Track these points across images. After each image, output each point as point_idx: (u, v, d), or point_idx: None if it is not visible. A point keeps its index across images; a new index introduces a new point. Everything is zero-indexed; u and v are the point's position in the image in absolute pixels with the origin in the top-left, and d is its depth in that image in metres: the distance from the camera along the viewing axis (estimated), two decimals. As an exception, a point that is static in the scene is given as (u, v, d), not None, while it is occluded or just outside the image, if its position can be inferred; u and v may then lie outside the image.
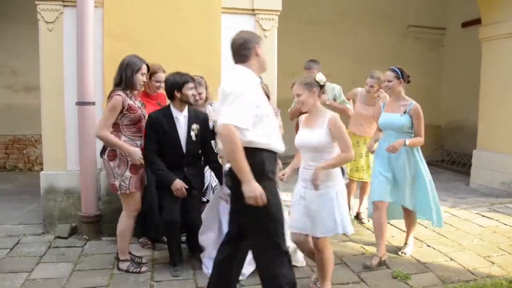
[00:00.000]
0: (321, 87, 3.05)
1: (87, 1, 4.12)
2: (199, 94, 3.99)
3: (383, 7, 9.18)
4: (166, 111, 3.61)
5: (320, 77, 3.03)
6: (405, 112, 3.79)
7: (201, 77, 4.11)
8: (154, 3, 4.46)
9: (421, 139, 3.79)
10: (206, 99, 4.15)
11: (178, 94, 3.54)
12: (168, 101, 3.77)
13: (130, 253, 3.77)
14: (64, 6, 4.29)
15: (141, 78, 3.53)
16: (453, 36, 9.48)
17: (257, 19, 4.78)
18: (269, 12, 4.78)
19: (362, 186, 5.11)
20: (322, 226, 2.99)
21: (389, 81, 3.89)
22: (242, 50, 2.64)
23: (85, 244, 4.25)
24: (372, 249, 4.10)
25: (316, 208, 2.99)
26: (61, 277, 3.50)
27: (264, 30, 4.80)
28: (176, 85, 3.53)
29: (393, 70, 3.92)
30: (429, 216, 3.97)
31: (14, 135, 7.89)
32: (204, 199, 4.01)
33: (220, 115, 2.52)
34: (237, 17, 4.75)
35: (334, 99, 4.76)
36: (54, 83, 4.38)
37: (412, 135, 3.84)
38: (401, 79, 3.87)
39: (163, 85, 4.04)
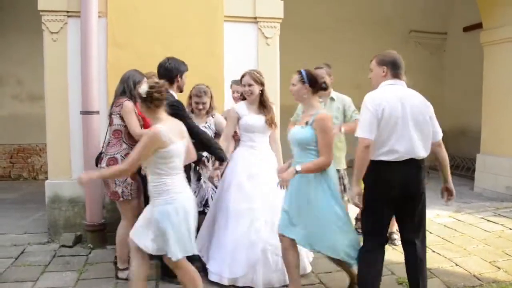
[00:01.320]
0: (145, 99, 2.69)
1: (91, 12, 4.17)
2: (203, 103, 3.97)
3: (385, 13, 9.22)
4: (172, 97, 3.44)
5: (142, 89, 2.70)
6: (307, 123, 3.08)
7: (206, 86, 4.04)
8: (157, 13, 4.50)
9: (323, 161, 3.00)
10: (209, 110, 4.08)
11: (179, 80, 3.54)
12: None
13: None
14: (68, 16, 4.33)
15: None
16: (455, 40, 9.51)
17: (259, 27, 4.81)
18: (271, 20, 4.81)
19: None
20: None
21: (293, 85, 3.19)
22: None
23: (90, 253, 4.26)
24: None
25: None
26: (66, 286, 3.51)
27: (266, 37, 4.83)
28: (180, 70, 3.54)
29: (299, 72, 3.18)
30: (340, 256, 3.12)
31: (19, 144, 7.94)
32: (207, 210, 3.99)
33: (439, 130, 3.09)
34: (239, 25, 4.78)
35: (344, 111, 4.29)
36: (59, 93, 4.42)
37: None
38: (306, 84, 3.11)
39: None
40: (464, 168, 8.47)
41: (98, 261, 4.02)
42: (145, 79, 3.58)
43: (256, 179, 3.57)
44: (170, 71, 3.48)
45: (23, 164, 8.01)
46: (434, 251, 4.29)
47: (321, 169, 3.03)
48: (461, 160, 8.79)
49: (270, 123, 3.68)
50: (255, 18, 4.77)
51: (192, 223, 2.80)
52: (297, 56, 8.16)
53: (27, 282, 3.56)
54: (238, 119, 3.72)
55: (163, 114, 2.79)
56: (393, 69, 3.01)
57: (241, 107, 3.76)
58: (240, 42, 4.79)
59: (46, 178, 4.64)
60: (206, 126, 4.05)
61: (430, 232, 4.84)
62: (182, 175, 2.85)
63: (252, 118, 3.68)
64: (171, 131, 2.71)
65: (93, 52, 4.22)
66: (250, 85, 3.63)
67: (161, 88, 2.72)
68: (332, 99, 4.27)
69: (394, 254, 4.19)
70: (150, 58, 4.40)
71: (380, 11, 9.18)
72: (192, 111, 4.02)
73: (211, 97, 4.13)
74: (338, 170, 4.12)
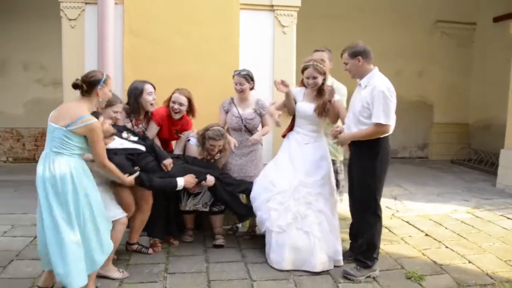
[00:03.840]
0: None
1: (107, -2, 4.21)
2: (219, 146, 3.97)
3: (410, 2, 8.95)
4: None
5: None
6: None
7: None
8: (172, 1, 4.49)
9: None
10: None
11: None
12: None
13: (137, 242, 3.94)
14: (86, 3, 4.39)
15: (148, 98, 3.79)
16: (484, 31, 9.16)
17: (276, 15, 4.75)
18: (288, 8, 4.74)
19: None
20: None
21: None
22: None
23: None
24: (388, 248, 4.04)
25: None
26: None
27: (283, 26, 4.77)
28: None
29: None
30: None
31: (43, 128, 8.10)
32: (216, 209, 4.15)
33: None
34: (255, 13, 4.74)
35: None
36: (76, 78, 4.48)
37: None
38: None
39: (179, 107, 3.95)
40: (488, 163, 8.22)
41: (111, 244, 4.11)
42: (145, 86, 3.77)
43: (289, 164, 3.71)
44: None
45: (47, 147, 8.24)
46: (447, 247, 4.19)
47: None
48: (485, 154, 8.54)
49: (319, 112, 3.67)
50: (272, 6, 4.72)
51: None
52: (315, 44, 8.02)
53: (43, 261, 3.68)
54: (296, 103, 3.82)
55: None
56: (366, 57, 3.40)
57: (298, 93, 3.85)
58: (256, 30, 4.75)
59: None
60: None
61: (445, 228, 4.75)
62: None
63: (302, 105, 3.77)
64: None
65: (109, 39, 4.25)
66: (314, 77, 3.66)
67: None
68: None
69: (405, 248, 4.14)
70: (165, 46, 4.48)
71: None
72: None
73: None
74: (334, 162, 4.05)
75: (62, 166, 2.85)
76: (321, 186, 3.69)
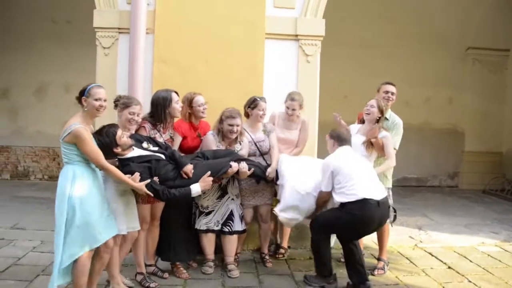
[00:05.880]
0: None
1: (140, 29, 4.43)
2: (237, 126, 4.04)
3: (440, 29, 8.90)
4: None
5: None
6: None
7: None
8: (200, 31, 4.69)
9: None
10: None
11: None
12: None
13: (155, 265, 4.01)
14: (119, 33, 4.65)
15: (176, 106, 3.85)
16: (519, 58, 8.98)
17: (300, 44, 4.85)
18: (312, 38, 4.84)
19: None
20: None
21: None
22: None
23: (130, 251, 4.42)
24: (407, 280, 3.96)
25: None
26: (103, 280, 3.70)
27: (307, 55, 4.86)
28: None
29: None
30: None
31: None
32: (226, 229, 4.03)
33: None
34: (280, 42, 4.85)
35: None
36: (108, 103, 4.70)
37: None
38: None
39: (207, 106, 4.15)
40: (522, 195, 7.92)
41: (132, 263, 4.21)
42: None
43: None
44: None
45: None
46: (470, 281, 4.05)
47: None
48: (518, 185, 8.24)
49: (367, 145, 4.01)
50: (296, 36, 4.82)
51: None
52: (338, 72, 8.17)
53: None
54: None
55: None
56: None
57: (354, 127, 4.31)
58: (280, 59, 4.85)
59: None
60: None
61: (470, 261, 4.61)
62: None
63: (356, 137, 4.09)
64: None
65: (139, 66, 4.46)
66: (372, 106, 4.07)
67: None
68: (386, 119, 4.27)
69: (425, 280, 4.04)
70: (192, 73, 4.65)
71: (435, 27, 8.86)
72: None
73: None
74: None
75: (63, 179, 3.05)
76: None
